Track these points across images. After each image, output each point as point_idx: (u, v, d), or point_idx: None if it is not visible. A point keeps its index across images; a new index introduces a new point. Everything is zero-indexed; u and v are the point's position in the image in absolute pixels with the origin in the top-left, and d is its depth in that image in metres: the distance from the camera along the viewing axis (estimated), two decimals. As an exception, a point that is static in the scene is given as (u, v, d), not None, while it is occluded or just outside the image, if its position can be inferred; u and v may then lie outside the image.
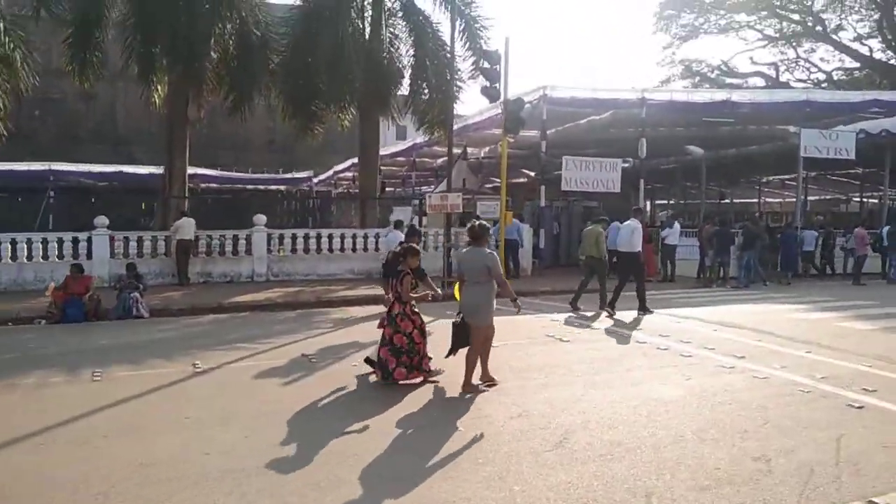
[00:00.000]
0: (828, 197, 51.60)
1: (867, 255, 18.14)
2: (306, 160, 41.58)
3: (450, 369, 7.34)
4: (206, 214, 30.33)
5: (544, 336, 9.81)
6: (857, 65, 46.77)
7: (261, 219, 16.60)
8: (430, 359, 7.38)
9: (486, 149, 28.62)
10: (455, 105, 19.48)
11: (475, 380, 7.08)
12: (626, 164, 37.23)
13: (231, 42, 17.13)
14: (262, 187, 43.28)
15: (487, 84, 15.02)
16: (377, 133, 20.00)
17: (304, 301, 13.80)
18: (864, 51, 45.51)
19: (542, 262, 19.48)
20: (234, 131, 42.69)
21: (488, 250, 7.11)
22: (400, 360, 7.11)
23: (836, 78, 47.87)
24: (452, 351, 7.12)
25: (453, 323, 7.14)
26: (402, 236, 13.53)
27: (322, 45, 17.22)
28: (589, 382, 7.29)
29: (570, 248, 23.68)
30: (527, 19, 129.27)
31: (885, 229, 19.47)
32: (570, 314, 12.21)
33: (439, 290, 8.07)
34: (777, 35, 48.41)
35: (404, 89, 20.15)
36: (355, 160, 35.68)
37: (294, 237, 17.01)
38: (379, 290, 15.19)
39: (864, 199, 41.08)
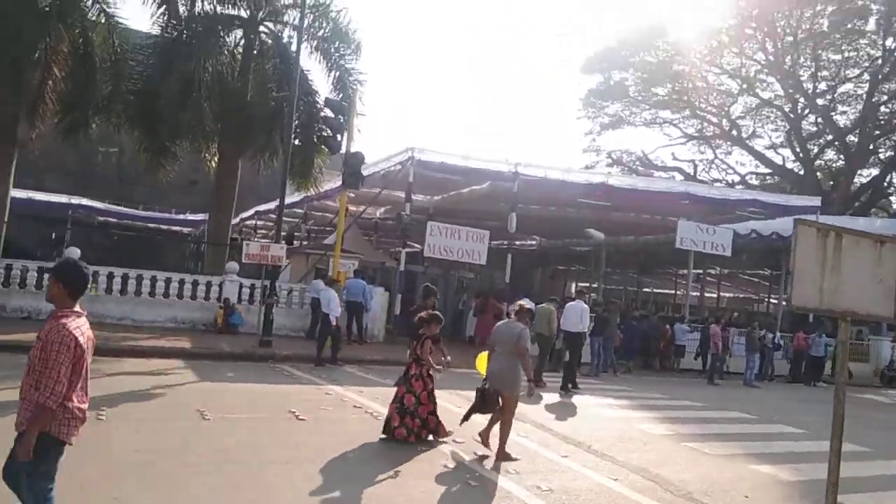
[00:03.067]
0: (741, 295, 52.44)
1: (720, 355, 17.50)
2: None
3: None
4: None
5: (285, 412, 8.46)
6: (770, 171, 48.29)
7: (74, 252, 15.02)
8: (437, 417, 7.71)
9: (382, 209, 27.75)
10: (320, 159, 18.67)
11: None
12: (533, 243, 36.98)
13: (70, 61, 15.84)
14: (164, 227, 41.63)
15: (329, 133, 14.08)
16: (235, 172, 18.83)
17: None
18: (779, 159, 47.22)
19: (397, 328, 18.24)
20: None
21: (522, 325, 7.61)
22: (403, 420, 7.44)
23: (749, 181, 49.28)
24: (467, 416, 7.62)
25: (478, 389, 7.51)
26: (335, 297, 13.41)
27: (173, 77, 16.19)
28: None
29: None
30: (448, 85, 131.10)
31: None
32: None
33: (449, 358, 8.14)
34: (697, 134, 49.84)
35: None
36: (260, 207, 34.41)
37: (111, 276, 15.41)
38: (185, 343, 13.86)
39: (773, 300, 41.70)
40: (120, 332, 14.34)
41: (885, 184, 41.96)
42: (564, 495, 6.20)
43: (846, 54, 40.04)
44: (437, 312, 8.23)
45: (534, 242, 35.73)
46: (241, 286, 16.41)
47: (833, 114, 43.29)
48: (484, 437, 7.40)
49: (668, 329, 19.78)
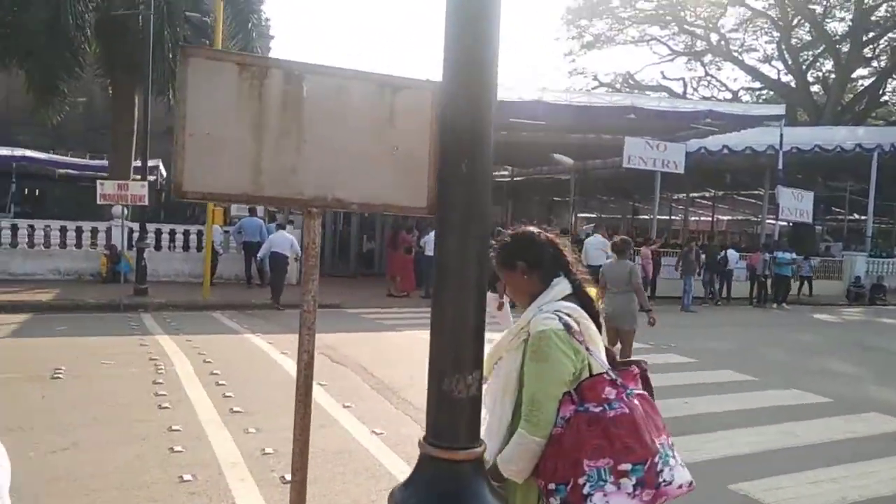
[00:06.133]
0: (740, 217, 50.00)
1: (647, 277, 16.24)
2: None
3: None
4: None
5: (48, 369, 7.31)
6: (762, 85, 45.76)
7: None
8: None
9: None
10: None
11: None
12: (506, 173, 35.20)
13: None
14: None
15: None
16: (132, 106, 17.46)
17: None
18: (773, 73, 44.56)
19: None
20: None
21: (630, 262, 8.02)
22: None
23: (742, 97, 46.82)
24: None
25: None
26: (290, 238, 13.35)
27: (38, 4, 14.67)
28: None
29: (382, 257, 21.35)
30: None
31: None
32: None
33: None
34: (685, 51, 47.19)
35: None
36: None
37: (-19, 228, 14.30)
38: (47, 295, 12.77)
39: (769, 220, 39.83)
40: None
41: (881, 91, 39.36)
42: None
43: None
44: None
45: (506, 172, 34.01)
46: (129, 231, 15.18)
47: (828, 20, 40.50)
48: None
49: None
